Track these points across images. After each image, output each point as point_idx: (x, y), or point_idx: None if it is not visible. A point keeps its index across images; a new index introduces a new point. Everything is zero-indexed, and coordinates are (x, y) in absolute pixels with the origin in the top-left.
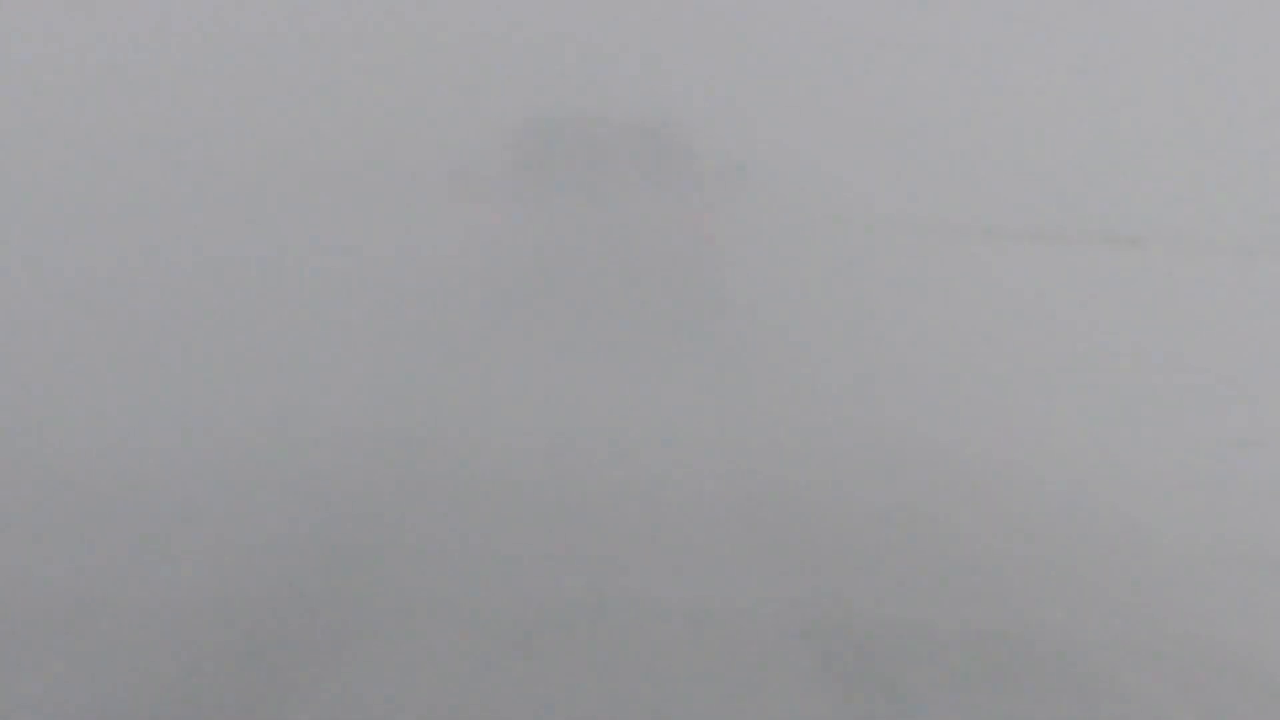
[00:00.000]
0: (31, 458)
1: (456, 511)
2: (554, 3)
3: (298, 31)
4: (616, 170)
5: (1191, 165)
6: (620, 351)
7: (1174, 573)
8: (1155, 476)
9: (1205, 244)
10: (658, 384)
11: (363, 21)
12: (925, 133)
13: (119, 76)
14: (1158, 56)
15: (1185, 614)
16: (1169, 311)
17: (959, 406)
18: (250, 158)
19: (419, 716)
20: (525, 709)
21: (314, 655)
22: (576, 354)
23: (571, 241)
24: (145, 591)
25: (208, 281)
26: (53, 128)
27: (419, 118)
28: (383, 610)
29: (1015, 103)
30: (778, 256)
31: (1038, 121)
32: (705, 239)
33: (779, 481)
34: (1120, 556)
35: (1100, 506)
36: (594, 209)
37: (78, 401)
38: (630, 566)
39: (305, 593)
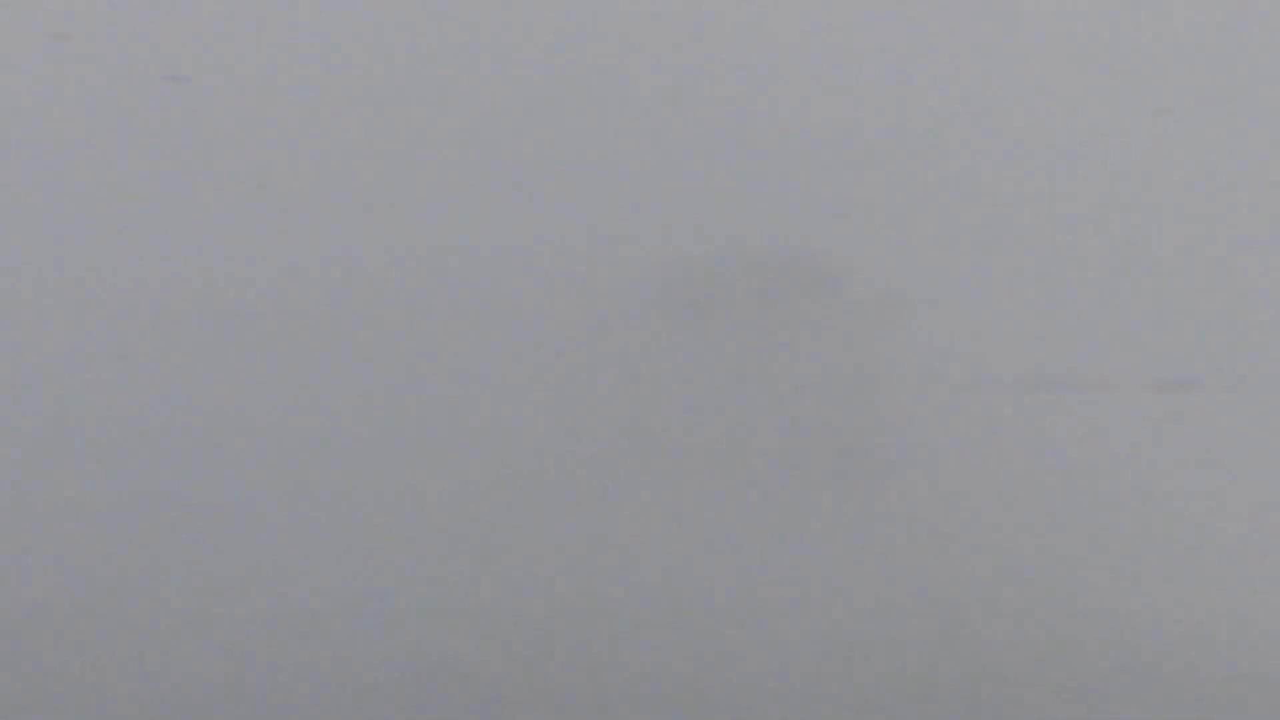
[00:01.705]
0: None
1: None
2: (690, 133)
3: (424, 159)
4: (766, 312)
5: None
6: (776, 515)
7: None
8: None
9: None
10: (807, 545)
11: (496, 151)
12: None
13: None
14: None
15: None
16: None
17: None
18: (370, 316)
19: None
20: None
21: None
22: (720, 512)
23: (717, 396)
24: None
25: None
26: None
27: (556, 259)
28: None
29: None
30: (932, 415)
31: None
32: (859, 393)
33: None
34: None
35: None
36: (742, 357)
37: None
38: None
39: None
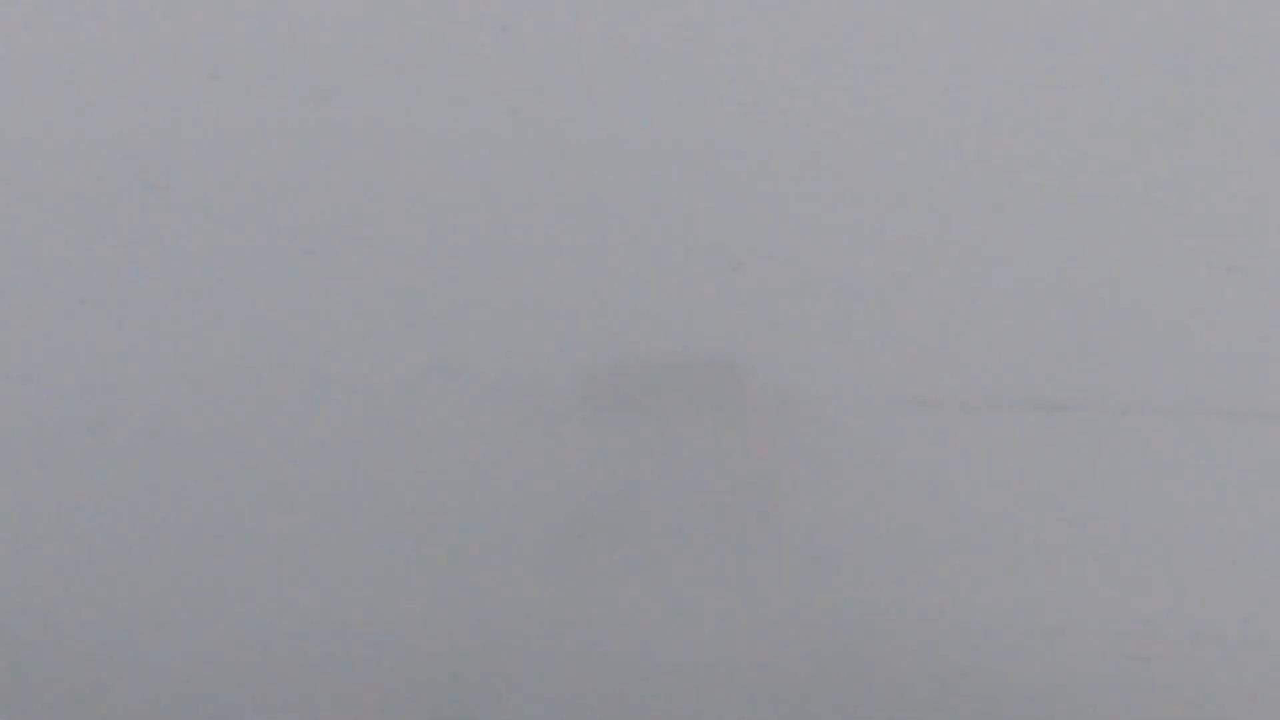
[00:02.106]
0: None
1: None
2: (608, 244)
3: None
4: (673, 406)
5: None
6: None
7: None
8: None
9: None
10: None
11: (422, 255)
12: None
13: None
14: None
15: None
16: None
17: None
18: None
19: None
20: None
21: None
22: (635, 589)
23: (629, 482)
24: None
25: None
26: None
27: (473, 362)
28: None
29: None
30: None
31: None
32: (758, 471)
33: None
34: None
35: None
36: (652, 448)
37: None
38: None
39: None
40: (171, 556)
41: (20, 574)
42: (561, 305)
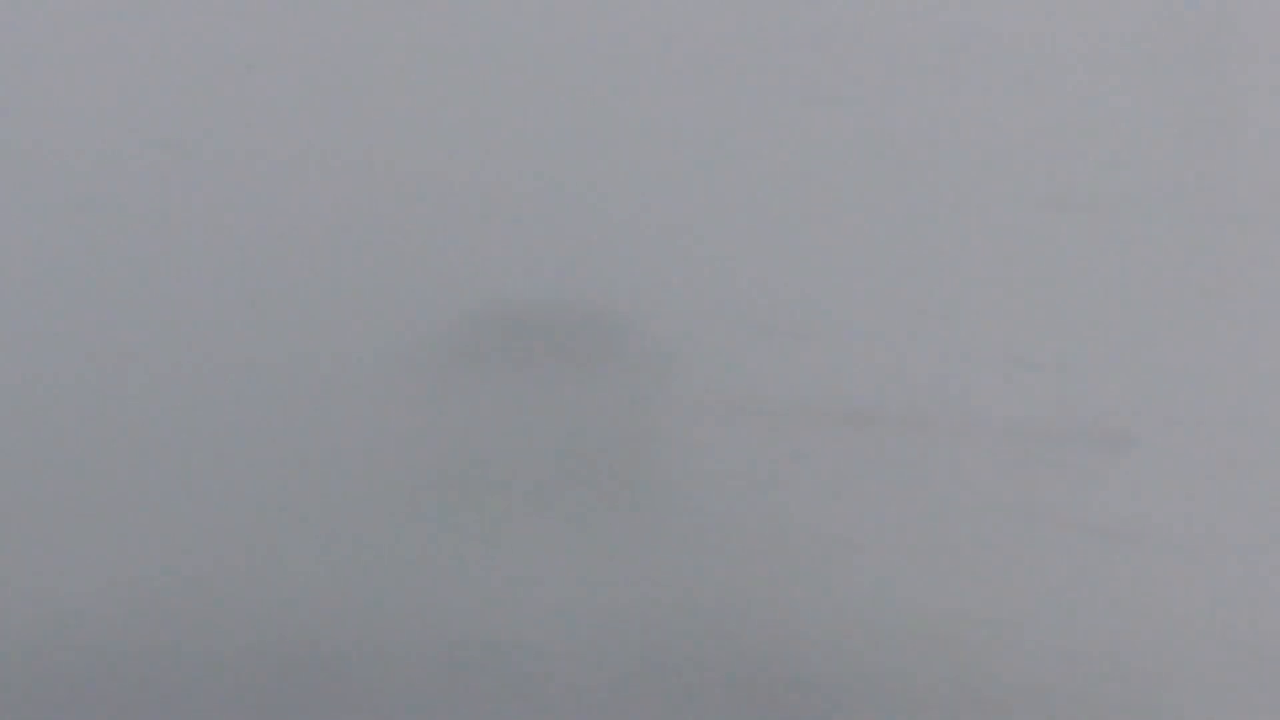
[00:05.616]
0: None
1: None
2: (497, 186)
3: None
4: (553, 361)
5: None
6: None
7: None
8: None
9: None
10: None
11: (301, 187)
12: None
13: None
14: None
15: None
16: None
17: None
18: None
19: None
20: None
21: None
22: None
23: (505, 435)
24: None
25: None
26: None
27: (354, 306)
28: None
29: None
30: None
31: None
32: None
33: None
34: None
35: None
36: (529, 401)
37: None
38: None
39: None
40: None
41: None
42: (420, 263)
